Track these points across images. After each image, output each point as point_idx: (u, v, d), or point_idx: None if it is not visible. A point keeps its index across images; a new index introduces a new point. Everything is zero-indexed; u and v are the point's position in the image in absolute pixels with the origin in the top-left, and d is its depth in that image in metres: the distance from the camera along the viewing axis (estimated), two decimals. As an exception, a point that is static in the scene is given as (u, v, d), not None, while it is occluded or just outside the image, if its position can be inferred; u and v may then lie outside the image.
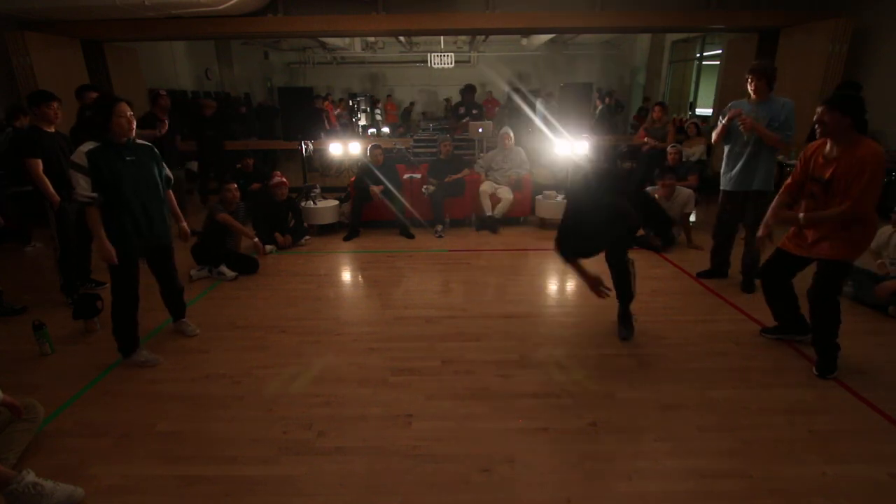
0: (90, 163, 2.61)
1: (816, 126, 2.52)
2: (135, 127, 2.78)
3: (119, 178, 2.67)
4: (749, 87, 3.48)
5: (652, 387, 2.64)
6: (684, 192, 4.73)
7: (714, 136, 3.69)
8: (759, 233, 2.84)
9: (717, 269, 4.07)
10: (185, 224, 3.19)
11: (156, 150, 2.94)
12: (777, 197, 2.84)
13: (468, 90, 7.75)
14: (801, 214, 2.63)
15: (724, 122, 3.54)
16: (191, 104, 7.80)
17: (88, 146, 2.64)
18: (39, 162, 3.41)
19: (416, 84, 15.92)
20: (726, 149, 3.67)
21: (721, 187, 3.79)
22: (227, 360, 2.96)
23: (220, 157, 6.43)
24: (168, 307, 3.24)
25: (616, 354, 2.97)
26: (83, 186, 2.61)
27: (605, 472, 2.05)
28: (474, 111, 7.62)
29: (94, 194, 2.63)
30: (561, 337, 3.23)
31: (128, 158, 2.72)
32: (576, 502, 1.91)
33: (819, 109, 2.48)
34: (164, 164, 2.99)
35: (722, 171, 3.75)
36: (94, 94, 4.18)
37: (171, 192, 3.08)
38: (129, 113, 2.71)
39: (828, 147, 2.54)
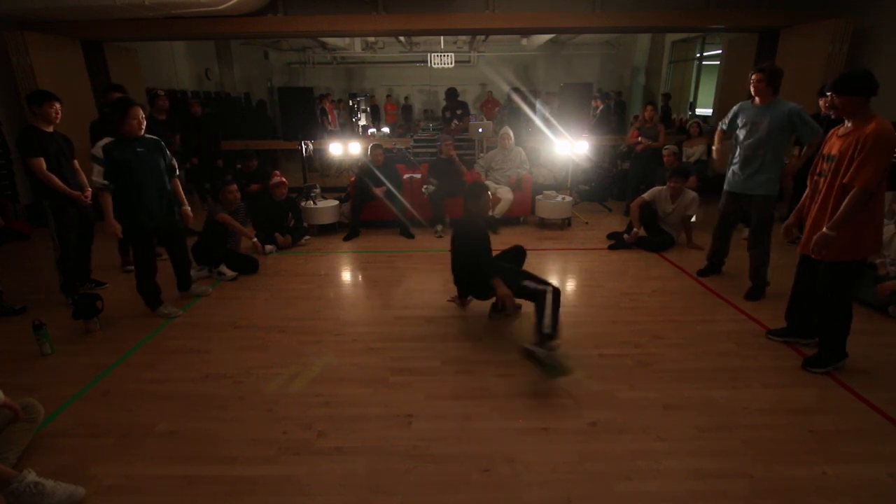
0: (106, 155, 3.14)
1: (831, 111, 2.53)
2: (144, 127, 3.29)
3: (131, 167, 3.20)
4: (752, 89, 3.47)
5: (652, 387, 2.64)
6: (689, 194, 4.74)
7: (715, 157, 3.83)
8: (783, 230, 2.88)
9: (714, 268, 4.13)
10: (187, 208, 3.65)
11: (162, 143, 3.45)
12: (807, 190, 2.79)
13: (450, 94, 7.83)
14: (826, 229, 2.49)
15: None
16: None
17: (105, 141, 3.17)
18: (42, 160, 3.42)
19: (416, 84, 15.91)
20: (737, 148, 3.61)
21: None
22: (227, 360, 2.96)
23: (193, 155, 6.20)
24: (178, 280, 3.78)
25: (616, 354, 2.97)
26: (97, 174, 3.15)
27: (605, 472, 2.05)
28: (458, 111, 7.71)
29: (106, 182, 3.16)
30: (561, 337, 3.22)
31: (139, 150, 3.25)
32: (576, 502, 1.91)
33: (829, 94, 2.51)
34: (169, 154, 3.49)
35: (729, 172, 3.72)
36: (116, 94, 4.24)
37: (176, 180, 3.56)
38: (142, 115, 3.24)
39: (844, 125, 2.56)
